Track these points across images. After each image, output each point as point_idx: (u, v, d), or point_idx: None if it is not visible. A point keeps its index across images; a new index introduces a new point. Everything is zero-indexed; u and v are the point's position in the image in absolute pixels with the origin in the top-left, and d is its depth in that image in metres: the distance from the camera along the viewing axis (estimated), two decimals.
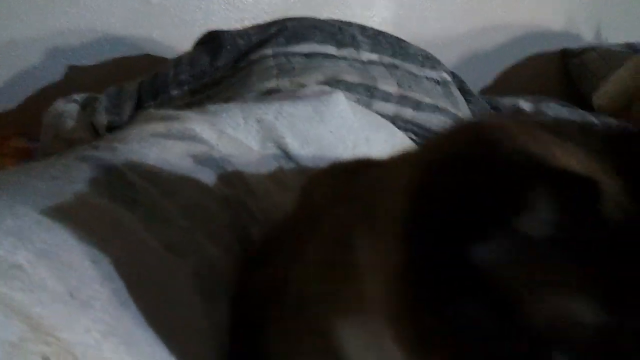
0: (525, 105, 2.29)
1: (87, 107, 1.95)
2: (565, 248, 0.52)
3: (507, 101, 2.33)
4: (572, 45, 3.19)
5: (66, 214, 0.79)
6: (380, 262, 0.62)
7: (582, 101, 2.85)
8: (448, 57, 2.91)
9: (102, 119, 1.82)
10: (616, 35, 3.26)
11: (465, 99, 2.11)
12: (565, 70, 3.20)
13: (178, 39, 2.40)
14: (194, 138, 1.21)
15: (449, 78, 2.08)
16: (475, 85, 3.03)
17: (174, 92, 1.90)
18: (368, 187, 0.74)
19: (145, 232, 0.88)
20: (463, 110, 1.98)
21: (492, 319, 0.54)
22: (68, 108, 1.93)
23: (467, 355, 0.56)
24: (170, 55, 2.25)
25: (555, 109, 2.31)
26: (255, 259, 0.99)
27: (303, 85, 1.63)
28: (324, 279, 0.74)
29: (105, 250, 0.78)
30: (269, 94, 1.63)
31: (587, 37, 3.31)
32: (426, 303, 0.57)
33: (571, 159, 0.57)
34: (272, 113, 1.40)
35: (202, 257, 0.93)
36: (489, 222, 0.52)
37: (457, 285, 0.55)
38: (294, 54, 1.84)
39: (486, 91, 3.07)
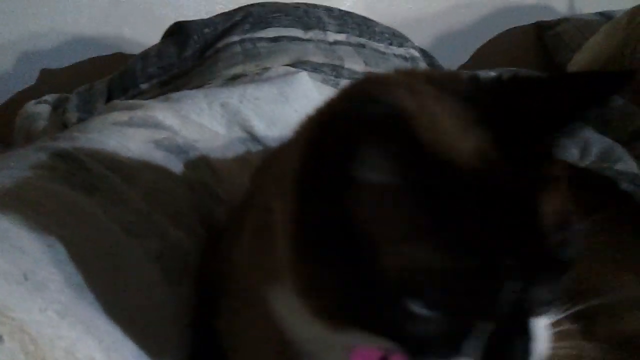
0: (500, 71, 2.30)
1: (58, 107, 1.95)
2: (407, 192, 0.55)
3: (481, 73, 2.33)
4: (547, 17, 3.19)
5: (20, 200, 0.80)
6: (283, 220, 0.65)
7: (558, 72, 2.87)
8: (424, 36, 2.91)
9: (74, 117, 1.83)
10: (590, 6, 3.27)
11: None
12: (541, 42, 3.21)
13: (149, 34, 2.33)
14: (156, 125, 1.22)
15: (417, 54, 2.09)
16: (453, 62, 3.03)
17: (143, 86, 1.90)
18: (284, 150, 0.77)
19: (104, 216, 0.89)
20: None
21: (358, 268, 0.58)
22: (39, 109, 1.93)
23: (340, 299, 0.60)
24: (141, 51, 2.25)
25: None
26: (216, 237, 1.01)
27: (268, 68, 1.64)
28: (254, 247, 0.77)
29: (61, 234, 0.79)
30: (234, 79, 1.64)
31: (561, 9, 3.32)
32: (310, 252, 0.61)
33: (440, 107, 0.59)
34: (237, 97, 1.41)
35: (163, 239, 0.94)
36: (338, 174, 0.56)
37: (327, 233, 0.59)
38: (260, 39, 1.85)
39: (464, 67, 3.08)
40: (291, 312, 0.70)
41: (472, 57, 3.20)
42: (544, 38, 3.19)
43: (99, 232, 0.86)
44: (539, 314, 0.60)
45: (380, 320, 0.59)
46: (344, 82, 1.76)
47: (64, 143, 1.01)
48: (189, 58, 1.91)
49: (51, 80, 2.47)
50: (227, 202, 1.12)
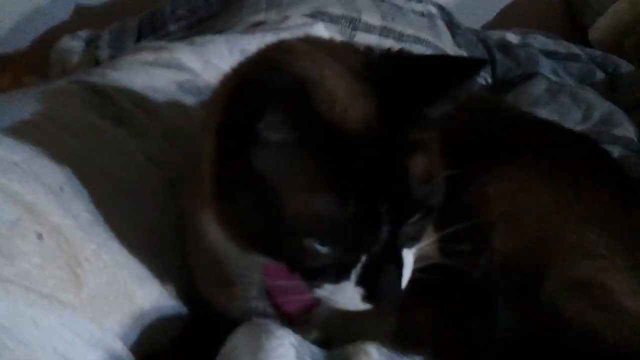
0: (513, 37, 2.35)
1: (91, 43, 2.07)
2: (303, 150, 0.68)
3: (495, 34, 2.39)
4: None
5: (58, 124, 0.93)
6: (205, 155, 0.78)
7: (584, 35, 2.90)
8: None
9: (105, 53, 1.94)
10: None
11: (453, 32, 2.19)
12: (567, 4, 3.22)
13: None
14: (180, 67, 1.34)
15: (434, 11, 2.16)
16: (478, 20, 3.08)
17: (172, 27, 2.01)
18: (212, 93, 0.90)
19: (130, 144, 1.03)
20: (445, 41, 2.07)
21: (260, 213, 0.71)
22: (73, 44, 2.05)
23: (249, 229, 0.73)
24: None
25: (541, 41, 2.38)
26: None
27: (288, 18, 1.73)
28: (190, 179, 0.91)
29: (92, 155, 0.93)
30: (256, 26, 1.73)
31: None
32: (225, 190, 0.74)
33: (337, 79, 0.72)
34: (256, 44, 1.49)
35: (177, 170, 1.06)
36: (248, 131, 0.68)
37: (239, 179, 0.72)
38: None
39: (488, 26, 3.11)
40: (217, 235, 0.82)
41: (497, 16, 3.22)
42: (571, 1, 3.21)
43: (124, 157, 0.99)
44: (408, 246, 0.75)
45: (282, 252, 0.73)
46: (360, 35, 1.86)
47: (95, 78, 1.14)
48: (215, 2, 2.01)
49: (85, 16, 2.56)
50: None
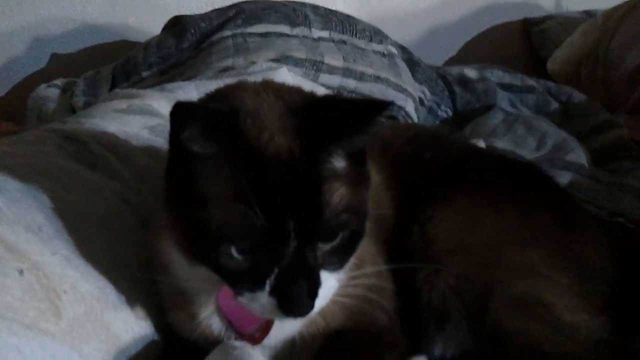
0: (471, 72, 2.48)
1: (66, 91, 2.16)
2: (226, 167, 0.78)
3: (454, 70, 2.52)
4: (534, 14, 3.34)
5: (35, 170, 1.01)
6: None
7: (543, 68, 3.02)
8: (414, 31, 3.07)
9: (80, 100, 2.03)
10: (576, 4, 3.39)
11: (413, 70, 2.31)
12: (527, 38, 3.34)
13: (152, 24, 2.54)
14: (151, 112, 1.42)
15: (394, 51, 2.27)
16: (441, 56, 3.20)
17: (144, 74, 2.11)
18: None
19: (104, 187, 1.10)
20: (406, 79, 2.18)
21: (193, 220, 0.80)
22: (49, 92, 2.14)
23: (188, 239, 0.83)
24: (145, 39, 2.41)
25: (498, 75, 2.51)
26: None
27: (254, 62, 1.83)
28: (155, 213, 1.01)
29: (68, 197, 1.00)
30: (225, 72, 1.83)
31: (548, 6, 3.44)
32: (173, 202, 0.85)
33: (272, 114, 0.83)
34: None
35: (148, 211, 1.14)
36: (176, 143, 0.81)
37: (179, 189, 0.83)
38: (251, 34, 2.04)
39: (451, 61, 3.23)
40: (176, 260, 0.91)
41: (460, 51, 3.33)
42: (530, 34, 3.33)
43: (98, 198, 1.07)
44: (328, 269, 0.83)
45: (209, 259, 0.81)
46: (324, 76, 1.96)
47: (71, 126, 1.22)
48: (185, 49, 2.11)
49: (60, 64, 2.65)
50: None
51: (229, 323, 0.96)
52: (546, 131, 2.12)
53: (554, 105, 2.42)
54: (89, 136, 1.20)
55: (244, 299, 0.82)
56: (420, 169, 1.18)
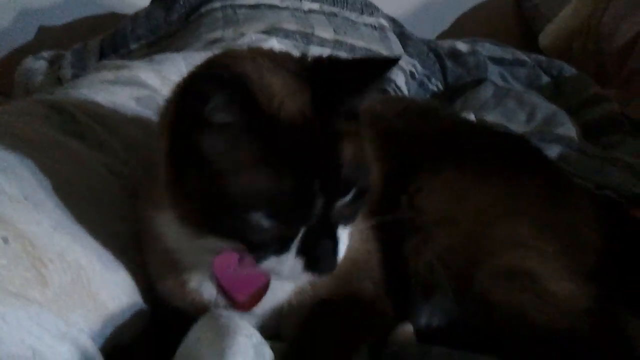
0: (462, 46, 2.47)
1: (54, 63, 2.13)
2: (247, 134, 0.78)
3: (446, 43, 2.50)
4: None
5: (21, 140, 1.00)
6: (161, 153, 0.87)
7: (535, 42, 3.01)
8: (405, 5, 3.03)
9: (68, 73, 2.01)
10: None
11: (404, 43, 2.30)
12: (520, 13, 3.33)
13: None
14: (139, 83, 1.41)
15: (386, 24, 2.26)
16: (434, 30, 3.18)
17: (133, 46, 2.09)
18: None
19: (91, 158, 1.10)
20: (396, 52, 2.17)
21: (208, 194, 0.80)
22: (37, 65, 2.12)
23: (200, 212, 0.82)
24: (133, 12, 2.39)
25: (489, 49, 2.49)
26: None
27: (244, 34, 1.81)
28: (148, 184, 0.99)
29: (55, 167, 1.00)
30: (213, 43, 1.82)
31: None
32: (177, 180, 0.83)
33: (274, 78, 0.83)
34: None
35: (137, 182, 1.14)
36: (193, 116, 0.78)
37: (188, 163, 0.81)
38: (240, 6, 2.02)
39: (443, 35, 3.21)
40: (171, 231, 0.92)
41: (452, 25, 3.32)
42: (523, 8, 3.31)
43: (85, 169, 1.06)
44: (342, 224, 0.85)
45: (230, 229, 0.81)
46: (314, 49, 1.95)
47: (58, 97, 1.21)
48: (174, 22, 2.09)
49: (48, 37, 2.63)
50: None
51: (223, 292, 0.97)
52: (536, 105, 2.12)
53: (545, 79, 2.41)
54: (76, 107, 1.19)
55: (269, 264, 0.83)
56: (409, 141, 1.19)
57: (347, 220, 0.86)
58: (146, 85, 1.42)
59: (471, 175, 1.13)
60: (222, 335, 0.88)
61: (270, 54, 0.91)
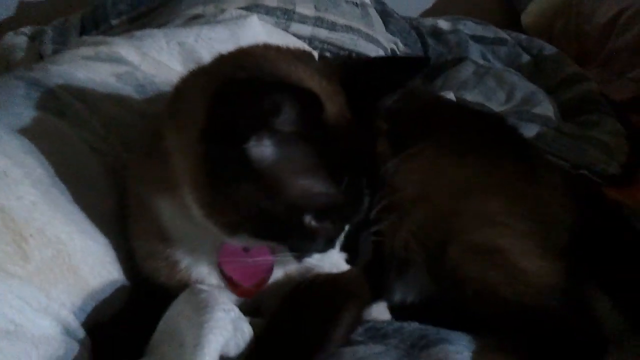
0: (444, 24, 2.48)
1: (35, 39, 2.12)
2: (304, 141, 0.79)
3: (427, 21, 2.51)
4: None
5: (2, 117, 1.01)
6: (187, 150, 0.85)
7: (519, 21, 3.02)
8: None
9: (48, 49, 2.00)
10: None
11: (385, 21, 2.30)
12: None
13: None
14: (119, 60, 1.41)
15: (367, 1, 2.26)
16: (417, 8, 3.18)
17: (114, 22, 2.08)
18: (178, 92, 0.96)
19: (72, 134, 1.11)
20: (378, 30, 2.17)
21: (261, 197, 0.80)
22: (18, 40, 2.10)
23: (242, 216, 0.82)
24: None
25: (471, 27, 2.51)
26: None
27: (224, 10, 1.81)
28: (144, 163, 0.99)
29: (35, 145, 1.01)
30: (194, 19, 1.81)
31: None
32: (215, 182, 0.82)
33: (308, 78, 0.84)
34: (193, 37, 1.60)
35: (116, 158, 1.16)
36: (257, 125, 0.77)
37: (236, 170, 0.80)
38: None
39: (426, 14, 3.21)
40: (174, 216, 0.93)
41: (435, 3, 3.31)
42: None
43: (65, 145, 1.07)
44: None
45: (277, 232, 0.84)
46: (295, 26, 1.95)
47: (37, 74, 1.21)
48: None
49: (29, 12, 2.61)
50: None
51: (226, 278, 1.00)
52: (516, 84, 2.14)
53: (526, 57, 2.43)
54: (56, 83, 1.19)
55: (313, 260, 0.88)
56: (388, 121, 1.20)
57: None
58: (126, 62, 1.42)
59: (447, 154, 1.16)
60: (201, 310, 0.90)
61: (294, 53, 0.92)
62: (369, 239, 0.89)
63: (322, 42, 1.98)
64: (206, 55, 1.55)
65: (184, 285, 1.00)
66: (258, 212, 0.81)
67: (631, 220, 1.41)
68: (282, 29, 1.90)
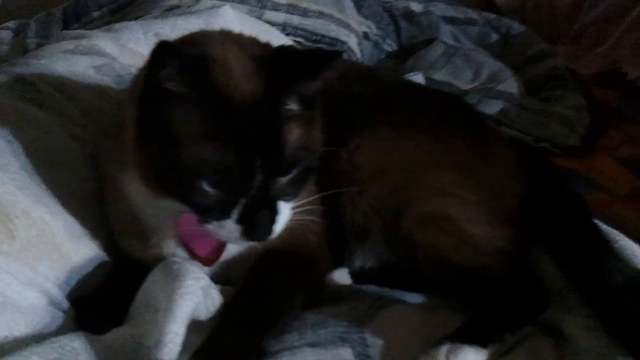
0: (416, 6, 2.55)
1: (19, 33, 2.19)
2: (198, 107, 0.88)
3: (400, 4, 2.58)
4: None
5: None
6: (131, 120, 0.96)
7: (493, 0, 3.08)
8: None
9: (33, 42, 2.08)
10: None
11: (358, 5, 2.38)
12: None
13: None
14: (97, 52, 1.50)
15: None
16: None
17: (95, 14, 2.16)
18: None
19: (52, 124, 1.20)
20: (350, 14, 2.25)
21: (165, 158, 0.90)
22: (2, 35, 2.17)
23: (158, 174, 0.92)
24: None
25: (442, 8, 2.58)
26: None
27: (199, 1, 1.89)
28: (112, 146, 1.09)
29: (18, 134, 1.10)
30: (170, 10, 1.89)
31: None
32: (143, 142, 0.93)
33: (237, 62, 0.92)
34: (168, 27, 1.69)
35: (96, 145, 1.24)
36: (154, 84, 0.88)
37: (152, 130, 0.91)
38: None
39: None
40: (134, 191, 1.03)
41: None
42: None
43: (46, 134, 1.16)
44: (285, 199, 0.95)
45: (181, 192, 0.92)
46: (268, 13, 2.03)
47: (19, 68, 1.30)
48: None
49: (12, 6, 2.64)
50: None
51: (187, 247, 1.08)
52: (482, 62, 2.23)
53: (494, 36, 2.52)
54: (38, 76, 1.28)
55: (211, 227, 0.94)
56: (349, 102, 1.29)
57: (288, 196, 0.96)
58: (105, 54, 1.50)
59: (402, 131, 1.24)
60: (173, 279, 1.00)
61: (240, 39, 1.01)
62: (266, 217, 0.93)
63: (295, 28, 2.06)
64: None
65: (158, 259, 1.09)
66: (166, 172, 0.91)
67: (581, 186, 1.52)
68: (256, 17, 1.98)
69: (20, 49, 2.07)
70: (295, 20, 2.06)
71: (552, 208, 1.24)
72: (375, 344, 1.01)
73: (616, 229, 1.20)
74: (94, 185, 1.17)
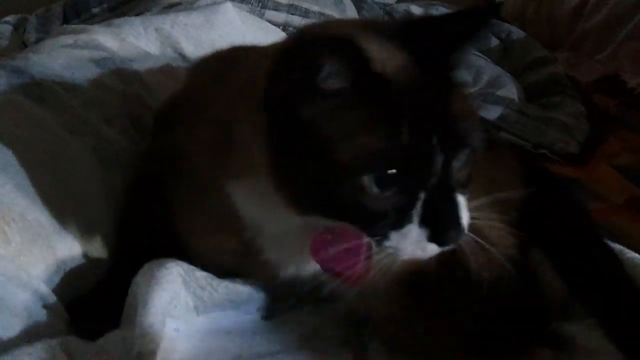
0: (417, 9, 2.54)
1: (19, 27, 2.18)
2: (355, 97, 0.76)
3: (400, 7, 2.58)
4: None
5: None
6: (257, 132, 0.83)
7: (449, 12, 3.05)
8: None
9: (33, 37, 2.06)
10: None
11: (358, 7, 2.37)
12: None
13: None
14: (97, 47, 1.49)
15: None
16: None
17: (95, 10, 2.15)
18: (242, 73, 0.94)
19: (51, 120, 1.18)
20: (351, 16, 2.25)
21: (317, 168, 0.77)
22: (1, 29, 2.15)
23: (307, 191, 0.79)
24: None
25: (442, 12, 2.56)
26: (158, 123, 1.26)
27: None
28: (211, 150, 0.97)
29: (16, 132, 1.09)
30: (171, 7, 1.88)
31: None
32: (281, 157, 0.80)
33: (369, 42, 0.80)
34: (169, 23, 1.68)
35: (98, 135, 1.24)
36: (304, 87, 0.76)
37: (294, 139, 0.78)
38: None
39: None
40: (254, 204, 0.92)
41: None
42: None
43: (46, 132, 1.14)
44: (460, 192, 0.79)
45: (341, 205, 0.77)
46: (269, 13, 2.03)
47: (19, 62, 1.28)
48: None
49: (12, 1, 2.63)
50: (156, 108, 1.36)
51: (329, 271, 0.92)
52: (482, 67, 2.23)
53: (494, 41, 2.51)
54: (37, 70, 1.26)
55: (392, 242, 0.78)
56: None
57: (462, 186, 0.81)
58: (104, 48, 1.49)
59: None
60: (149, 273, 0.98)
61: (359, 22, 0.95)
62: (453, 213, 0.76)
63: (296, 28, 2.05)
64: (182, 39, 1.63)
65: (271, 278, 1.01)
66: (318, 185, 0.77)
67: (581, 194, 1.51)
68: (257, 16, 1.97)
69: (20, 44, 2.06)
70: (297, 20, 2.06)
71: (551, 216, 1.23)
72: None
73: (613, 238, 1.20)
74: (99, 181, 1.17)
